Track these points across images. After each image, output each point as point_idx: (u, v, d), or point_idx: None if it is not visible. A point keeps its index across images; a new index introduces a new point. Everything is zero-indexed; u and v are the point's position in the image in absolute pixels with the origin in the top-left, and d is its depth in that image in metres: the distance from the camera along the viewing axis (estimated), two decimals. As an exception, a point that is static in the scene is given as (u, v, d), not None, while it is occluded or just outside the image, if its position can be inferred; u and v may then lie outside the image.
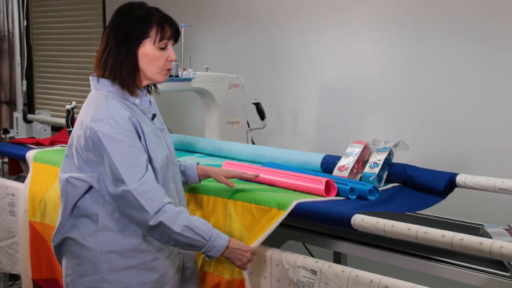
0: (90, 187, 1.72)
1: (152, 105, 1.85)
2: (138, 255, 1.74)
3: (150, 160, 1.71)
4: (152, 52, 1.71)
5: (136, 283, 1.75)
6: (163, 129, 1.86)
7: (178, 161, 1.96)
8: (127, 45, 1.70)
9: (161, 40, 1.71)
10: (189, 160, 2.02)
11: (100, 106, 1.68)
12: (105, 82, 1.73)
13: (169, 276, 1.81)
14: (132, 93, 1.74)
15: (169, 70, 1.77)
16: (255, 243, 1.80)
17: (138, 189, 1.62)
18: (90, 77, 1.77)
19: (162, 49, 1.73)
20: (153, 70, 1.73)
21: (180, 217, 1.66)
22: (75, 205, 1.75)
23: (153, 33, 1.70)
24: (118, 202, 1.67)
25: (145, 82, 1.77)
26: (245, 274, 1.81)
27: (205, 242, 1.69)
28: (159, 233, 1.67)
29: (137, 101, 1.76)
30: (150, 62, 1.72)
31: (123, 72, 1.70)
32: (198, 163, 2.00)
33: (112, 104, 1.68)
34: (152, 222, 1.64)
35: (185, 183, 1.98)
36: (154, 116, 1.82)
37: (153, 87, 1.87)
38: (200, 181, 2.00)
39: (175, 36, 1.76)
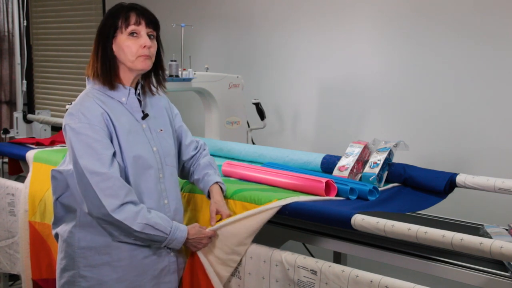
0: (68, 184, 1.78)
1: (150, 106, 1.87)
2: (113, 251, 1.76)
3: (121, 157, 1.73)
4: (123, 41, 1.74)
5: (111, 280, 1.77)
6: (161, 130, 1.87)
7: (206, 172, 1.97)
8: (103, 42, 1.76)
9: (127, 27, 1.74)
10: (212, 176, 1.97)
11: (77, 101, 1.75)
12: (90, 81, 1.81)
13: (148, 277, 1.81)
14: (111, 87, 1.77)
15: (146, 56, 1.76)
16: (217, 225, 1.84)
17: (99, 185, 1.66)
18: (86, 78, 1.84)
19: (134, 36, 1.74)
20: (129, 58, 1.75)
21: (139, 216, 1.68)
22: (58, 199, 1.82)
23: (120, 22, 1.74)
24: (82, 196, 1.70)
25: (130, 76, 1.79)
26: (200, 255, 1.85)
27: (166, 236, 1.73)
28: (118, 230, 1.70)
29: (123, 99, 1.79)
30: (123, 52, 1.75)
31: (101, 67, 1.76)
32: (217, 182, 1.95)
33: (87, 100, 1.74)
34: (109, 219, 1.66)
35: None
36: (146, 115, 1.83)
37: (157, 87, 1.90)
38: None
39: (147, 22, 1.76)
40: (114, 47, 1.75)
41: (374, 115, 3.07)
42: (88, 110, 1.71)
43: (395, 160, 2.20)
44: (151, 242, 1.75)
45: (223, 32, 3.72)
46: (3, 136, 3.83)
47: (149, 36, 1.77)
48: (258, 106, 3.13)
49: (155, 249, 1.81)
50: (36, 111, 4.19)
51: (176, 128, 1.98)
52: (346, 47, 3.16)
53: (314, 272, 1.67)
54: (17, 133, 3.90)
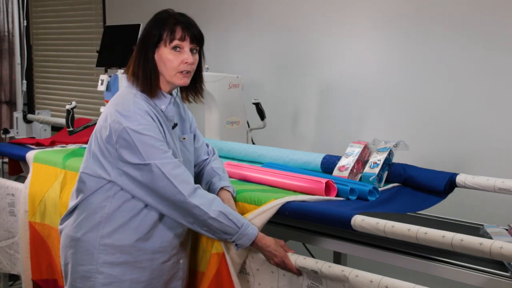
0: (101, 181, 1.76)
1: (177, 114, 1.89)
2: (135, 252, 1.76)
3: None
4: (166, 54, 1.75)
5: (129, 280, 1.77)
6: (184, 138, 1.89)
7: (210, 181, 1.97)
8: (145, 50, 1.76)
9: (171, 41, 1.74)
10: (217, 182, 1.97)
11: (127, 103, 1.73)
12: (132, 84, 1.79)
13: (161, 281, 1.82)
14: (153, 95, 1.77)
15: (187, 73, 1.77)
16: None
17: (171, 172, 1.68)
18: (125, 75, 1.82)
19: (176, 51, 1.74)
20: (169, 72, 1.76)
21: (215, 203, 1.71)
22: (87, 199, 1.80)
23: (165, 35, 1.74)
24: (153, 193, 1.70)
25: (168, 87, 1.81)
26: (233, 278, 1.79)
27: (237, 229, 1.72)
28: (193, 217, 1.70)
29: (163, 107, 1.80)
30: (164, 65, 1.75)
31: (142, 76, 1.76)
32: (223, 187, 1.94)
33: (139, 103, 1.73)
34: (187, 205, 1.68)
35: None
36: (175, 125, 1.85)
37: (194, 96, 1.90)
38: None
39: (192, 38, 1.76)
40: (156, 56, 1.75)
41: (374, 115, 3.07)
42: (144, 112, 1.71)
43: (395, 160, 2.20)
44: (222, 233, 1.73)
45: (223, 32, 3.72)
46: (3, 136, 3.83)
47: (191, 50, 1.77)
48: (258, 106, 3.13)
49: (172, 255, 1.82)
50: (36, 111, 4.19)
51: (191, 131, 1.99)
52: (346, 47, 3.16)
53: (314, 272, 1.67)
54: (17, 133, 3.90)
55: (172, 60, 1.74)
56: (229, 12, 3.68)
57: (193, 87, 1.89)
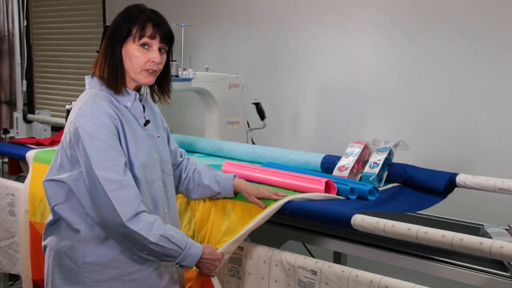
0: (69, 194, 1.68)
1: (148, 111, 1.82)
2: (122, 265, 1.69)
3: (130, 165, 1.67)
4: (132, 50, 1.68)
5: None
6: (158, 136, 1.83)
7: (216, 174, 1.93)
8: (113, 44, 1.69)
9: (140, 38, 1.67)
10: (224, 174, 1.96)
11: (87, 103, 1.66)
12: (96, 81, 1.72)
13: None
14: (118, 92, 1.70)
15: (153, 71, 1.70)
16: (226, 245, 1.78)
17: (114, 193, 1.58)
18: (86, 77, 1.76)
19: (145, 48, 1.68)
20: (134, 69, 1.69)
21: (155, 227, 1.61)
22: (54, 210, 1.72)
23: (134, 31, 1.68)
24: (95, 204, 1.62)
25: (132, 84, 1.74)
26: (213, 279, 1.77)
27: (181, 251, 1.65)
28: (132, 242, 1.62)
29: (128, 104, 1.73)
30: (130, 61, 1.68)
31: (108, 70, 1.69)
32: (235, 176, 1.93)
33: (99, 103, 1.65)
34: (124, 229, 1.59)
35: (217, 194, 1.95)
36: (147, 122, 1.77)
37: (160, 96, 1.83)
38: (235, 194, 1.94)
39: (162, 37, 1.70)
40: (123, 52, 1.69)
41: (374, 115, 3.07)
42: (102, 112, 1.63)
43: (395, 160, 2.20)
44: (164, 256, 1.66)
45: (223, 32, 3.72)
46: (3, 136, 3.83)
47: (160, 49, 1.71)
48: (258, 106, 3.13)
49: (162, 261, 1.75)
50: (36, 111, 4.19)
51: (165, 130, 1.92)
52: (346, 47, 3.16)
53: (314, 272, 1.67)
54: (17, 133, 3.90)
55: (139, 57, 1.67)
56: (229, 12, 3.68)
57: (160, 88, 1.82)
